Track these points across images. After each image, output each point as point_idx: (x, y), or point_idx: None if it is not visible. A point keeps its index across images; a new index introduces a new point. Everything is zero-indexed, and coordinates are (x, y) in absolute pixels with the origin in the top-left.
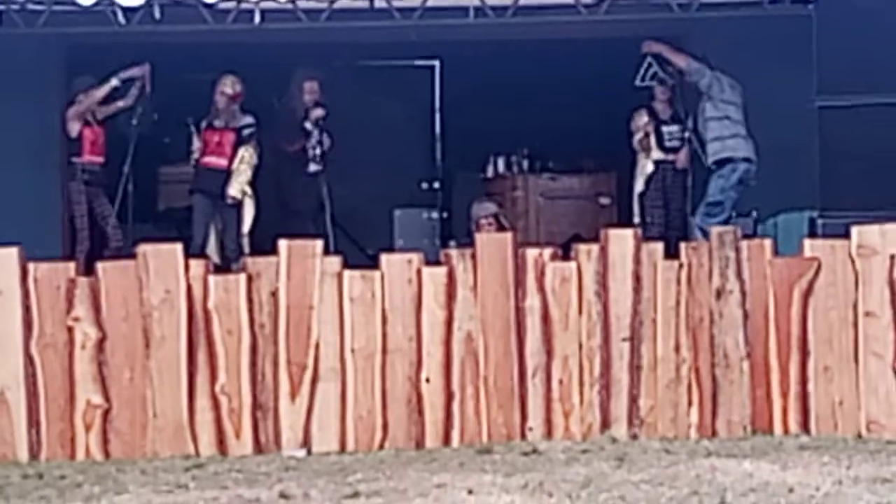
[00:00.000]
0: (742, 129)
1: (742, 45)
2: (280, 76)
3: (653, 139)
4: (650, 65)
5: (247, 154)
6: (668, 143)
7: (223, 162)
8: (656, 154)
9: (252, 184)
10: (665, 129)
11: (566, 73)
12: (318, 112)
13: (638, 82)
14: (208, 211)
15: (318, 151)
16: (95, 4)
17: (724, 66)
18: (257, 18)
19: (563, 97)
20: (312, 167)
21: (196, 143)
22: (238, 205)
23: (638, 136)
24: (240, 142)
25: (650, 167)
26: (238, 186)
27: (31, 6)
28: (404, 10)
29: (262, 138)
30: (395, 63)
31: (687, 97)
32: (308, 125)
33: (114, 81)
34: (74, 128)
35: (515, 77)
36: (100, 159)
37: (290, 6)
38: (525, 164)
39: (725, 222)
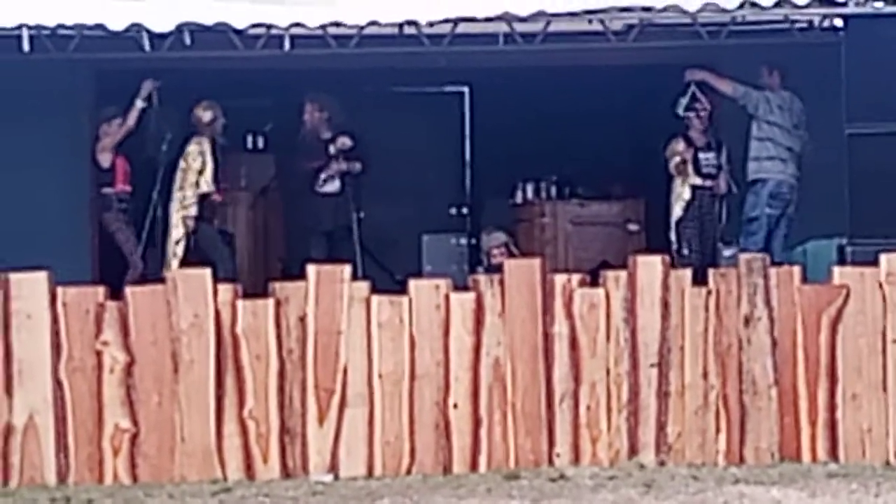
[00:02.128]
0: (785, 152)
1: None
2: None
3: (689, 165)
4: (693, 94)
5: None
6: (704, 170)
7: None
8: (694, 180)
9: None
10: (701, 155)
11: (595, 99)
12: (343, 140)
13: (680, 111)
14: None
15: (332, 173)
16: (125, 30)
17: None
18: (287, 45)
19: (591, 124)
20: (328, 187)
21: None
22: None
23: (675, 161)
24: None
25: (688, 193)
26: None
27: (61, 31)
28: (434, 36)
29: (282, 160)
30: (424, 89)
31: (721, 126)
32: (332, 150)
33: (139, 104)
34: (107, 158)
35: (544, 103)
36: (129, 188)
37: (320, 32)
38: (553, 190)
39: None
